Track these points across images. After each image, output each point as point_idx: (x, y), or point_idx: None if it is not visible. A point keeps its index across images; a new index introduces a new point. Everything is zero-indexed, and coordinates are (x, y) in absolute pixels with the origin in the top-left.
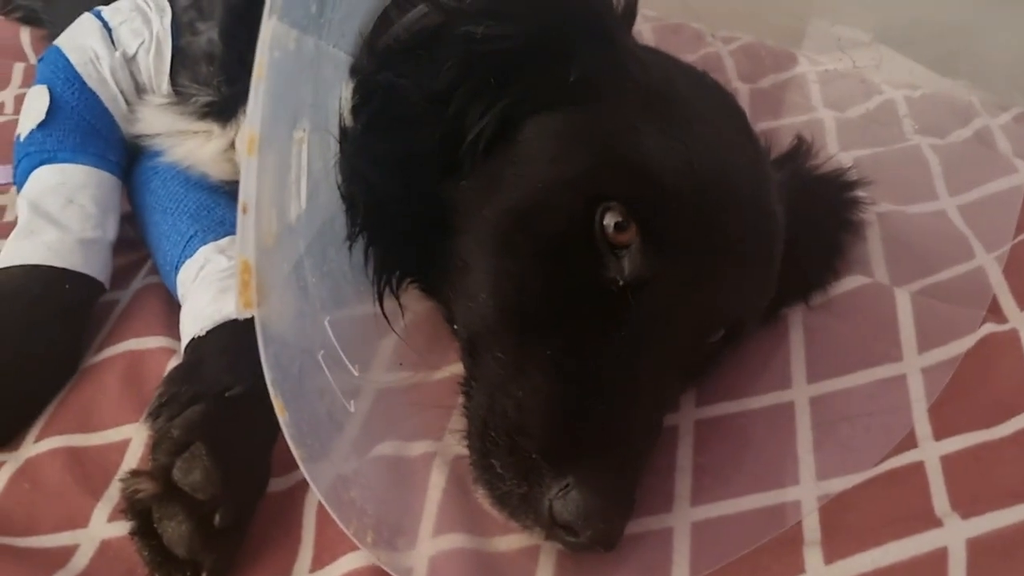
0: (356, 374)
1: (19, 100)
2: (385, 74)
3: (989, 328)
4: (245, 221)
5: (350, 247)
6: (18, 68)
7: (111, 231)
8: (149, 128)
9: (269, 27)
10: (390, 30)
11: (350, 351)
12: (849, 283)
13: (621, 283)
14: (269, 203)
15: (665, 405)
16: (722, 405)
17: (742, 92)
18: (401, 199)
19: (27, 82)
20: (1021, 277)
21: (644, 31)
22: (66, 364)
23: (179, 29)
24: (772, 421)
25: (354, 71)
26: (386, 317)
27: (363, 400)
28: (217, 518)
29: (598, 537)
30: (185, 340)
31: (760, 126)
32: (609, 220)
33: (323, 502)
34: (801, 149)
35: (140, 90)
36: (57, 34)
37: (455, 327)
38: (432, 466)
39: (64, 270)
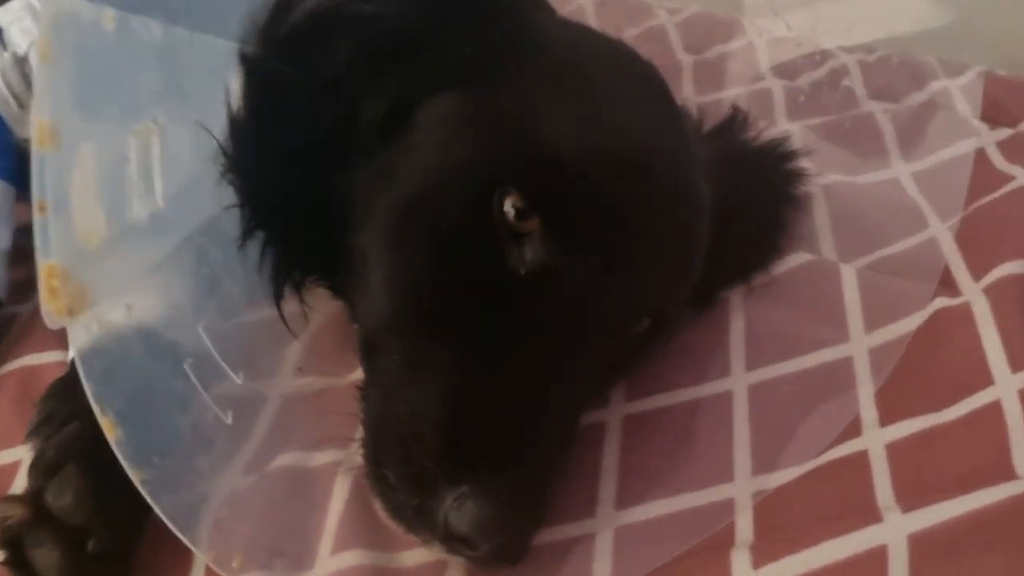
0: (239, 381)
1: None
2: (277, 63)
3: (941, 302)
4: (44, 222)
5: (240, 245)
6: None
7: (4, 240)
8: None
9: (54, 3)
10: (289, 16)
11: (247, 358)
12: (792, 260)
13: (523, 272)
14: (90, 200)
15: (580, 404)
16: (654, 398)
17: (686, 64)
18: (295, 194)
19: None
20: (976, 247)
21: (586, 3)
22: None
23: None
24: (708, 413)
25: (244, 60)
26: (284, 321)
27: (267, 409)
28: (91, 544)
29: (497, 550)
30: (71, 353)
31: (704, 99)
32: (508, 206)
33: (170, 525)
34: (736, 120)
35: (31, 93)
36: None
37: (356, 326)
38: (335, 477)
39: None
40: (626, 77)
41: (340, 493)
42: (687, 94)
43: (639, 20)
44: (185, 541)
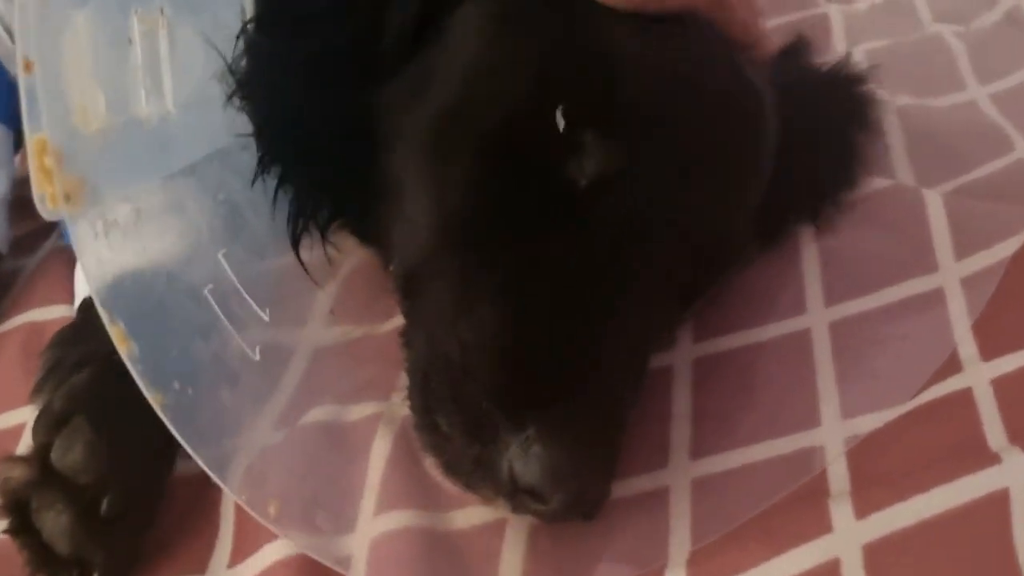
0: (265, 318)
1: None
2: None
3: None
4: (31, 83)
5: (256, 178)
6: None
7: (2, 186)
8: None
9: None
10: None
11: (274, 304)
12: (868, 187)
13: (584, 183)
14: (86, 76)
15: (651, 331)
16: (725, 339)
17: None
18: (315, 116)
19: None
20: None
21: None
22: None
23: None
24: (785, 354)
25: None
26: (305, 268)
27: (297, 359)
28: (104, 506)
29: (573, 501)
30: (78, 300)
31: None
32: (564, 108)
33: (192, 454)
34: (798, 48)
35: None
36: None
37: (391, 268)
38: (376, 431)
39: None
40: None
41: (381, 449)
42: None
43: None
44: (212, 475)
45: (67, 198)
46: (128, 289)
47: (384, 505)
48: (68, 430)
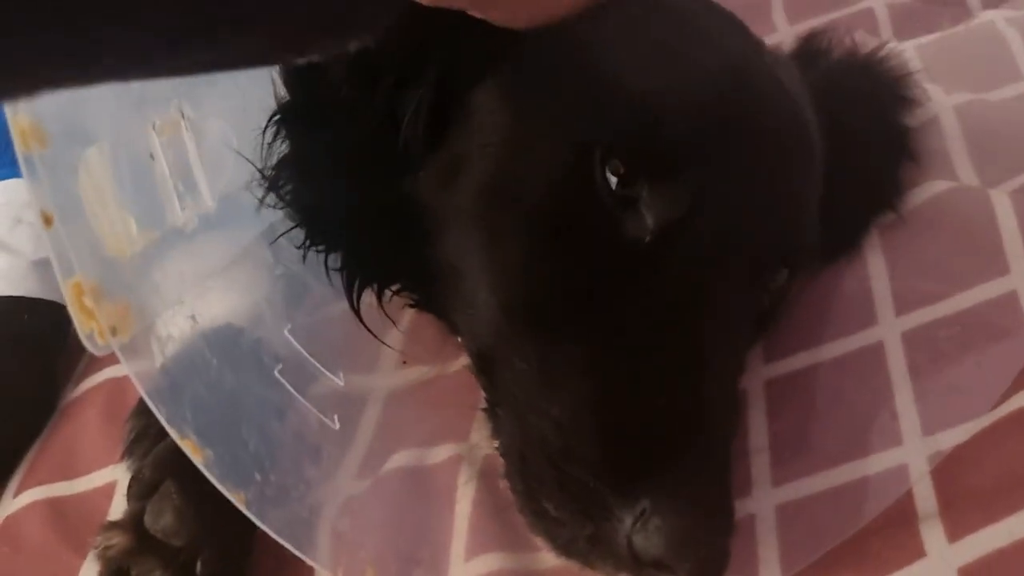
0: (340, 383)
1: None
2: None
3: None
4: (55, 235)
5: (303, 258)
6: None
7: None
8: None
9: None
10: None
11: (343, 354)
12: (930, 190)
13: (648, 239)
14: (111, 205)
15: (739, 370)
16: (795, 358)
17: None
18: (351, 200)
19: None
20: None
21: None
22: (41, 404)
23: None
24: (859, 369)
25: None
26: (359, 317)
27: (372, 407)
28: (199, 566)
29: (701, 567)
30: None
31: (803, 25)
32: (611, 166)
33: (285, 544)
34: (830, 44)
35: None
36: None
37: (460, 339)
38: (459, 474)
39: (20, 298)
40: (698, 16)
41: (466, 491)
42: (777, 22)
43: None
44: (306, 559)
45: (114, 331)
46: (193, 396)
47: (474, 550)
48: (158, 496)
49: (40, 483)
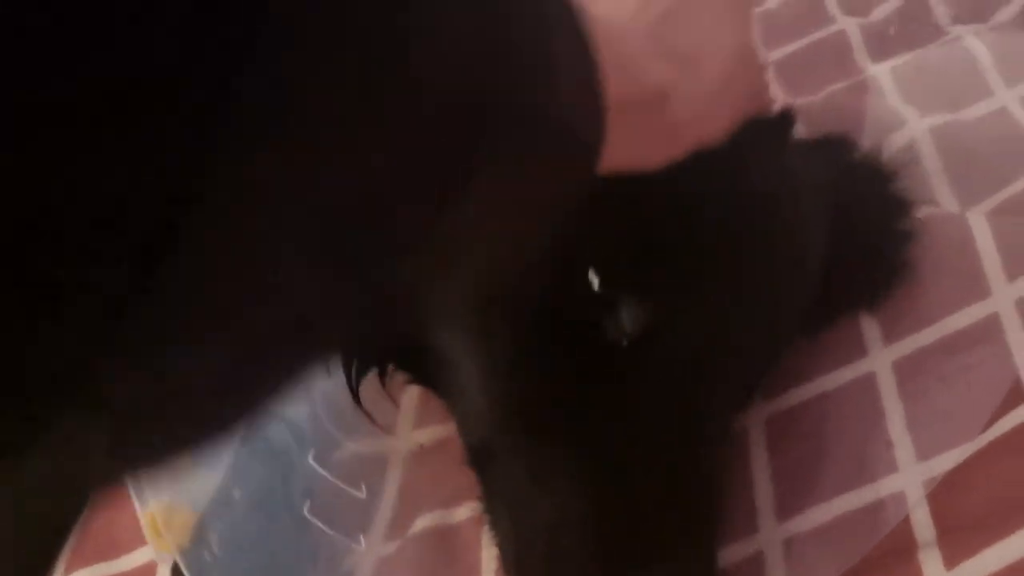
0: (362, 496)
1: None
2: None
3: None
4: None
5: None
6: None
7: None
8: None
9: None
10: None
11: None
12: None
13: (625, 342)
14: None
15: (729, 437)
16: (793, 393)
17: None
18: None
19: None
20: None
21: None
22: (81, 497)
23: None
24: (853, 400)
25: None
26: (357, 399)
27: (393, 470)
28: None
29: None
30: None
31: (779, 51)
32: (593, 276)
33: None
34: (839, 139)
35: None
36: None
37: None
38: (481, 532)
39: None
40: None
41: (490, 550)
42: None
43: None
44: None
45: (179, 547)
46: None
47: None
48: None
49: (85, 564)
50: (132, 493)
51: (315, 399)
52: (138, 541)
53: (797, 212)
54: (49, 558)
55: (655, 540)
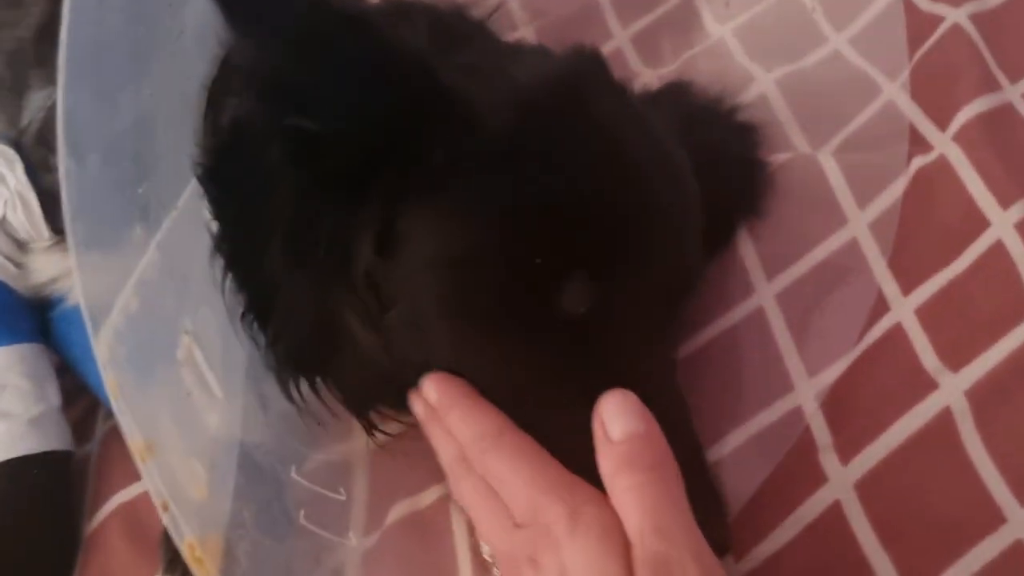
0: (343, 497)
1: None
2: (217, 185)
3: (918, 162)
4: (172, 517)
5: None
6: None
7: (54, 397)
8: (42, 275)
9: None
10: (216, 122)
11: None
12: (774, 162)
13: (583, 311)
14: (186, 460)
15: (671, 373)
16: (698, 337)
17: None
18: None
19: None
20: (932, 98)
21: None
22: (66, 545)
23: (35, 173)
24: (749, 334)
25: (198, 178)
26: (297, 407)
27: (359, 468)
28: None
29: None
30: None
31: (633, 28)
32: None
33: None
34: (677, 88)
35: (22, 247)
36: None
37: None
38: (449, 512)
39: (24, 457)
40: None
41: (460, 528)
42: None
43: None
44: None
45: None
46: None
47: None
48: None
49: None
50: (168, 525)
51: (274, 423)
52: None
53: (677, 156)
54: None
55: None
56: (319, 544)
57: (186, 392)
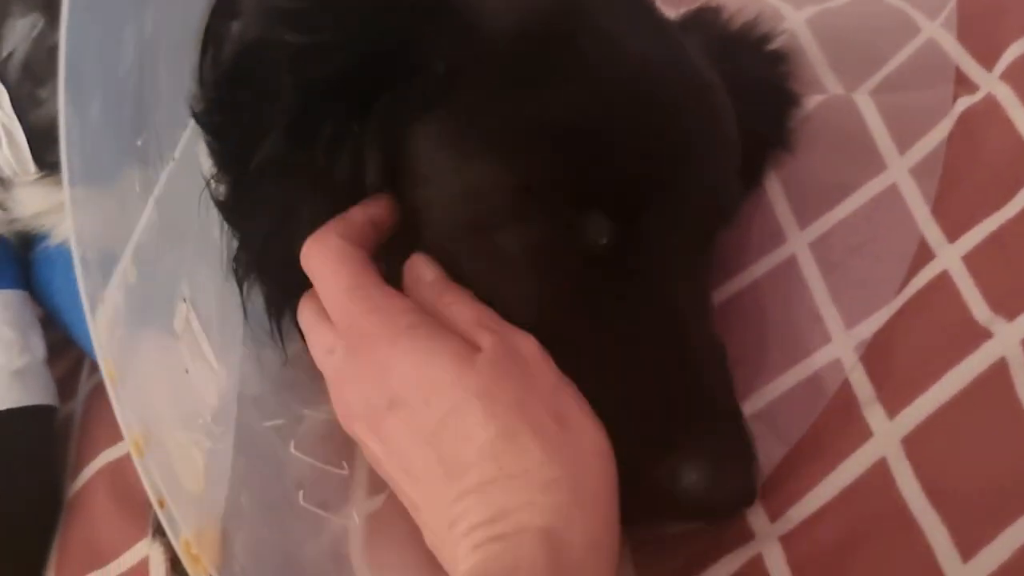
0: (345, 472)
1: None
2: (220, 113)
3: (963, 103)
4: (168, 513)
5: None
6: None
7: (39, 349)
8: (26, 209)
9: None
10: (216, 55)
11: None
12: (807, 106)
13: (604, 241)
14: (185, 451)
15: (707, 315)
16: (724, 287)
17: None
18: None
19: None
20: (976, 35)
21: None
22: (48, 505)
23: (22, 106)
24: (780, 283)
25: (195, 116)
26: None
27: None
28: None
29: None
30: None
31: None
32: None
33: None
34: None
35: (5, 185)
36: None
37: None
38: None
39: (7, 411)
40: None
41: None
42: None
43: None
44: None
45: (215, 565)
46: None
47: None
48: None
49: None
50: (165, 526)
51: (274, 377)
52: (123, 545)
53: (713, 79)
54: None
55: (683, 410)
56: (319, 523)
57: (184, 369)
